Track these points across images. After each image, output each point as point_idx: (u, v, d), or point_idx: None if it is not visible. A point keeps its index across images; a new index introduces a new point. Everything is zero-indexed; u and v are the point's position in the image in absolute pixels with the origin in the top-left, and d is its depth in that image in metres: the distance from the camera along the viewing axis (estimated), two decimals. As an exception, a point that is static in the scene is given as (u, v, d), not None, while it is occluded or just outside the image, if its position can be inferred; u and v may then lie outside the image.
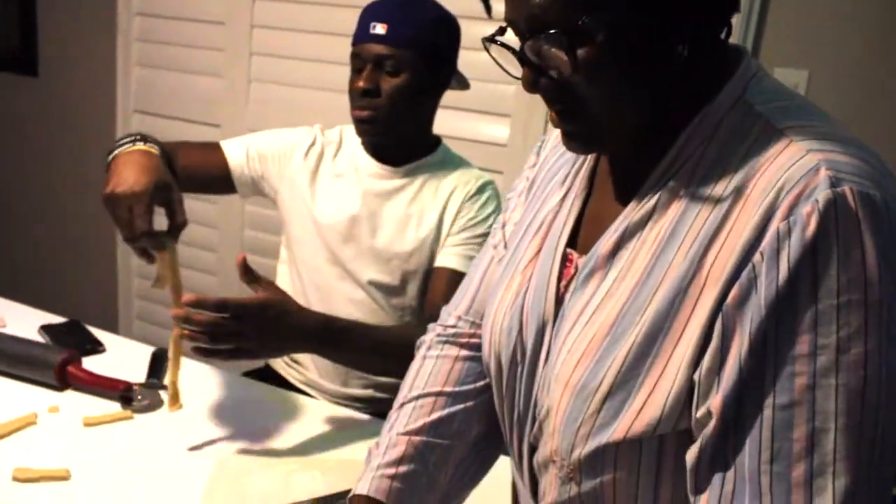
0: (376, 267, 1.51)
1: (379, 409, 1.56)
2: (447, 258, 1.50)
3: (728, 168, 0.69)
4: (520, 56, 0.70)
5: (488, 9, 0.75)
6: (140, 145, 1.24)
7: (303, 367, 1.60)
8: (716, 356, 0.66)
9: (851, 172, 0.62)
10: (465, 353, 0.98)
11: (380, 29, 1.40)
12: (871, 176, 0.63)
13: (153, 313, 2.75)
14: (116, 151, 1.23)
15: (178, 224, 1.20)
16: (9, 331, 1.46)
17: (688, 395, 0.68)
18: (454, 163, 1.57)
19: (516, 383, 0.83)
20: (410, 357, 1.02)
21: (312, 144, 1.57)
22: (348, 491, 1.07)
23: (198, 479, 1.13)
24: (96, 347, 1.49)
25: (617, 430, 0.70)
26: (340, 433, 1.32)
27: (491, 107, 2.10)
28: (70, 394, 1.33)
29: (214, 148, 1.54)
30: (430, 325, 1.03)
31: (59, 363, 1.31)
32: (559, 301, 0.79)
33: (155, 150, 1.25)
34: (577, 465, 0.74)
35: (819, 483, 0.62)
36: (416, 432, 0.91)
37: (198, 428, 1.27)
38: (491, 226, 1.50)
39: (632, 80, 0.69)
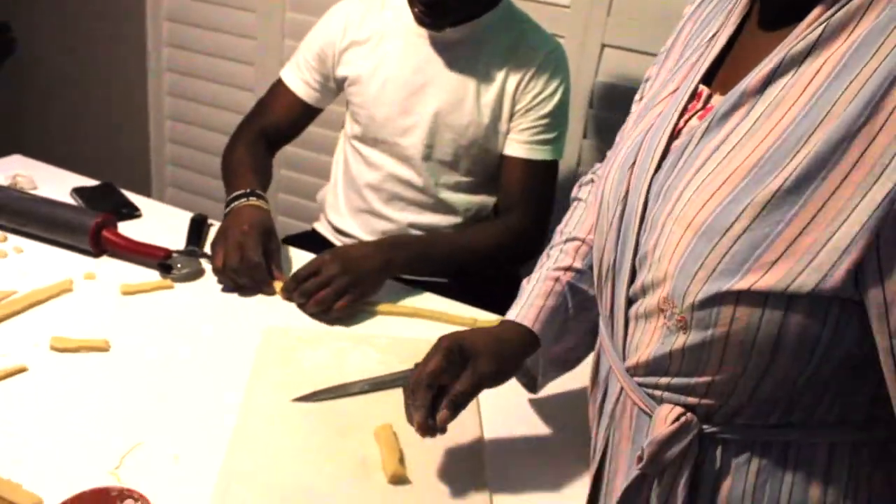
0: (429, 139, 1.39)
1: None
2: (515, 147, 1.39)
3: None
4: None
5: None
6: (252, 200, 1.30)
7: (346, 227, 1.52)
8: None
9: None
10: None
11: None
12: None
13: (187, 180, 2.66)
14: (233, 205, 1.30)
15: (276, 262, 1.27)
16: (40, 193, 1.38)
17: (846, 258, 0.57)
18: (518, 21, 1.40)
19: (618, 223, 0.76)
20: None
21: (349, 18, 1.42)
22: (405, 373, 1.02)
23: (243, 351, 1.06)
24: (132, 212, 1.41)
25: (743, 280, 0.61)
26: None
27: (553, -38, 1.90)
28: (106, 260, 1.26)
29: (283, 91, 1.48)
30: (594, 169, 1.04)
31: (93, 227, 1.23)
32: (675, 137, 0.72)
33: (265, 204, 1.32)
34: (690, 312, 0.65)
35: None
36: (565, 269, 0.96)
37: (240, 298, 1.20)
38: (559, 100, 1.39)
39: None
